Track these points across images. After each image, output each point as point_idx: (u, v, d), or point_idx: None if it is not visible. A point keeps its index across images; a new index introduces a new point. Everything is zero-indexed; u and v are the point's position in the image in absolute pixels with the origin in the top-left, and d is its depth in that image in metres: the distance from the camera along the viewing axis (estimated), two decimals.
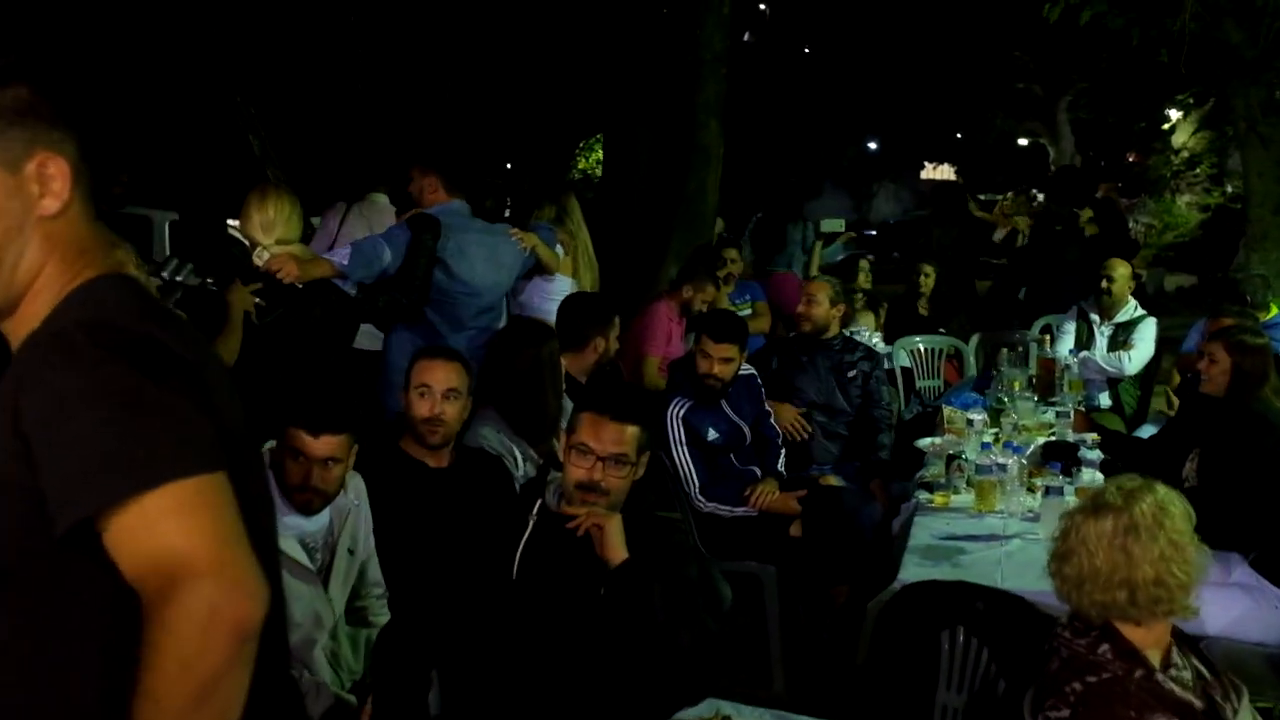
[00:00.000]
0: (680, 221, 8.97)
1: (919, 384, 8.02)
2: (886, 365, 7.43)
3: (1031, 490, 4.52)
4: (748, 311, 7.50)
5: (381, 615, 3.59)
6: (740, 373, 5.26)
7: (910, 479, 5.75)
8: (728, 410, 5.25)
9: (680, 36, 9.27)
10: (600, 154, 16.94)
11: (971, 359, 8.12)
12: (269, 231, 4.45)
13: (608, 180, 11.40)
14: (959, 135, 29.21)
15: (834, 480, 5.30)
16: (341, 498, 3.47)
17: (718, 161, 9.10)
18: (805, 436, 5.59)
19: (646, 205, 9.40)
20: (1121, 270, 7.34)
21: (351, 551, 3.51)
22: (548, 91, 14.75)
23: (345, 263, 4.73)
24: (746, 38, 20.22)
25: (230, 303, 4.12)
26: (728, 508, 5.10)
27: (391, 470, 3.79)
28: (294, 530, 3.37)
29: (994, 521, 4.36)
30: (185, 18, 9.92)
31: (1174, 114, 21.97)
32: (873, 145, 31.03)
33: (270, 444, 3.41)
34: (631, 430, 3.05)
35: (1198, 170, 21.18)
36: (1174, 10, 11.20)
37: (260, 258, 4.40)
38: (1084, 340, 7.35)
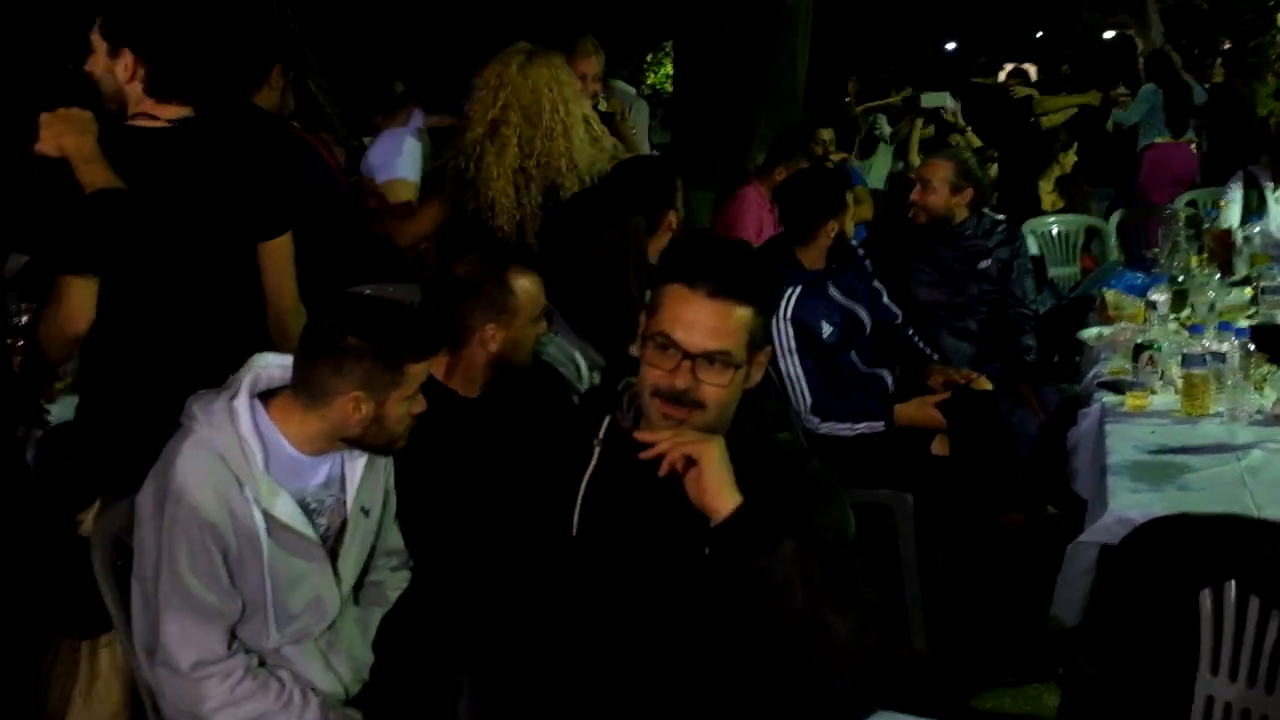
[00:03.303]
0: (767, 102, 7.80)
1: (1052, 273, 6.87)
2: None
3: (1257, 386, 3.44)
4: None
5: (401, 590, 2.65)
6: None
7: (1058, 382, 4.76)
8: (836, 295, 4.19)
9: None
10: (670, 68, 15.62)
11: (1113, 241, 6.96)
12: None
13: (681, 87, 10.18)
14: (1039, 34, 27.57)
15: (985, 383, 4.21)
16: None
17: (807, 27, 7.85)
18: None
19: (727, 93, 8.24)
20: None
21: (366, 511, 2.53)
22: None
23: None
24: None
25: None
26: (847, 425, 4.06)
27: None
28: (292, 485, 2.39)
29: (1213, 428, 3.30)
30: None
31: None
32: (950, 46, 29.61)
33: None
34: (741, 314, 2.01)
35: None
36: None
37: None
38: (1254, 209, 6.19)
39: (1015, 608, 3.67)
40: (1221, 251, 5.42)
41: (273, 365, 2.45)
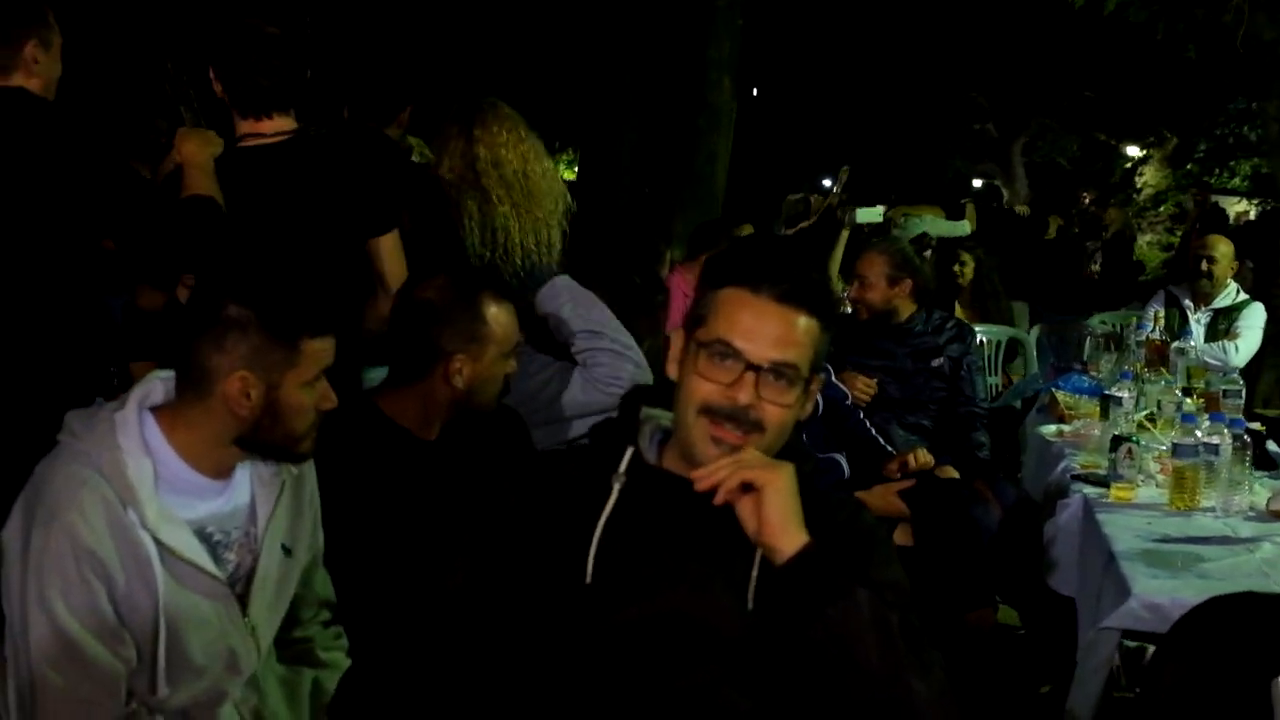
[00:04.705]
0: (685, 200, 7.61)
1: None
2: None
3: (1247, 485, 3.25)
4: None
5: (334, 650, 2.22)
6: None
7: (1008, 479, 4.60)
8: None
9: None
10: (572, 169, 15.41)
11: (1034, 353, 6.91)
12: None
13: (584, 189, 10.04)
14: (910, 180, 28.99)
15: (951, 471, 3.95)
16: (269, 463, 2.10)
17: (729, 126, 7.72)
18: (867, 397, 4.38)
19: (638, 193, 8.06)
20: (1224, 248, 6.20)
21: (288, 550, 2.11)
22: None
23: None
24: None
25: None
26: None
27: (361, 438, 2.42)
28: (188, 510, 1.98)
29: (1209, 521, 3.10)
30: None
31: (1132, 151, 21.64)
32: (826, 182, 30.67)
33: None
34: (808, 324, 1.69)
35: (1160, 209, 20.80)
36: (1205, 3, 10.36)
37: None
38: (1175, 330, 6.19)
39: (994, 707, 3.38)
40: (1157, 362, 5.36)
41: (173, 378, 2.05)
